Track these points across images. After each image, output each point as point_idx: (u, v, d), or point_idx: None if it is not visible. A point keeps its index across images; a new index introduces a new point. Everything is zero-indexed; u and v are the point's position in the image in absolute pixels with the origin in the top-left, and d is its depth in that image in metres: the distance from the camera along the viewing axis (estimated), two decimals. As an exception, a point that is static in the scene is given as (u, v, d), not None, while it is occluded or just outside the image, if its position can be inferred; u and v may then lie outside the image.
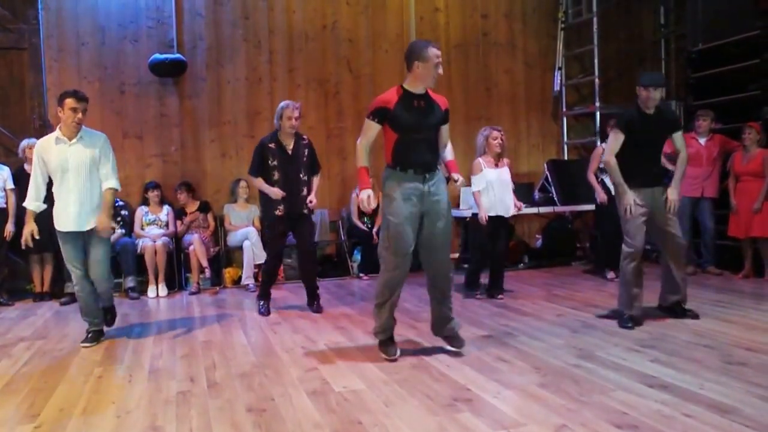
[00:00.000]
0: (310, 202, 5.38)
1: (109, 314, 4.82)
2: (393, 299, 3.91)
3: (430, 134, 3.87)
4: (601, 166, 6.40)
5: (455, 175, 3.94)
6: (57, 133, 4.41)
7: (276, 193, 5.27)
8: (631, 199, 4.48)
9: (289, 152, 5.36)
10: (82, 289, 4.54)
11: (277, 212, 5.34)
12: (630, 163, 4.54)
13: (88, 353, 4.34)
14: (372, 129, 3.84)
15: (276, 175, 5.32)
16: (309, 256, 5.56)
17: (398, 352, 3.93)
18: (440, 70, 3.79)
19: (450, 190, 4.01)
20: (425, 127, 3.82)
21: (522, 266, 7.72)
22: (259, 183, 5.39)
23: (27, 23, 6.95)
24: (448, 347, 4.01)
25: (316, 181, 5.54)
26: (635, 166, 4.54)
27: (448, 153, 4.08)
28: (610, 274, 6.51)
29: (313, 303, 5.55)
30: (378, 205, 7.38)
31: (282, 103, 5.41)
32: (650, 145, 4.59)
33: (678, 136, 4.68)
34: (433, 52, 3.74)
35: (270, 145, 5.37)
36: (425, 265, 3.96)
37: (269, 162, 5.34)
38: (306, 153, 5.43)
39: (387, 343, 3.97)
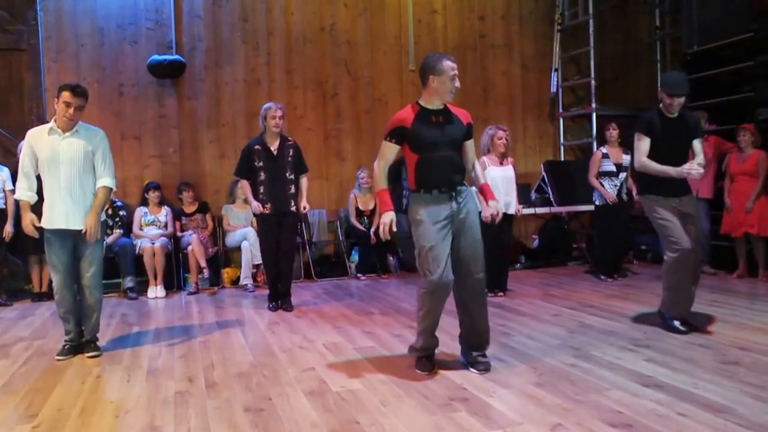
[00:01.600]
0: (305, 208, 5.62)
1: (92, 345, 4.31)
2: (437, 321, 3.62)
3: (453, 151, 3.59)
4: (601, 170, 6.49)
5: (492, 204, 3.73)
6: (51, 124, 4.14)
7: (256, 207, 5.48)
8: (693, 168, 4.20)
9: (274, 153, 5.53)
10: (62, 299, 4.17)
11: (265, 210, 5.50)
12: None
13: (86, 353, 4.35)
14: (390, 150, 3.60)
15: (262, 176, 5.50)
16: (288, 255, 5.72)
17: (435, 368, 3.65)
18: (457, 83, 3.56)
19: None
20: (447, 144, 3.56)
21: (519, 266, 7.75)
22: (245, 188, 5.62)
23: (26, 24, 6.96)
24: (472, 370, 3.64)
25: (304, 183, 5.68)
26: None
27: (480, 174, 3.81)
28: (602, 276, 6.68)
29: (284, 300, 5.67)
30: (375, 205, 7.47)
31: (265, 105, 5.60)
32: (673, 150, 4.36)
33: (696, 143, 4.45)
34: (449, 64, 3.52)
35: (256, 147, 5.54)
36: (456, 282, 3.56)
37: (256, 163, 5.52)
38: (291, 153, 5.60)
39: (424, 361, 3.68)
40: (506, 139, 5.83)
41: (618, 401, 3.05)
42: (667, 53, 8.76)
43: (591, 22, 8.06)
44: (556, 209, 7.80)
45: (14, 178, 6.15)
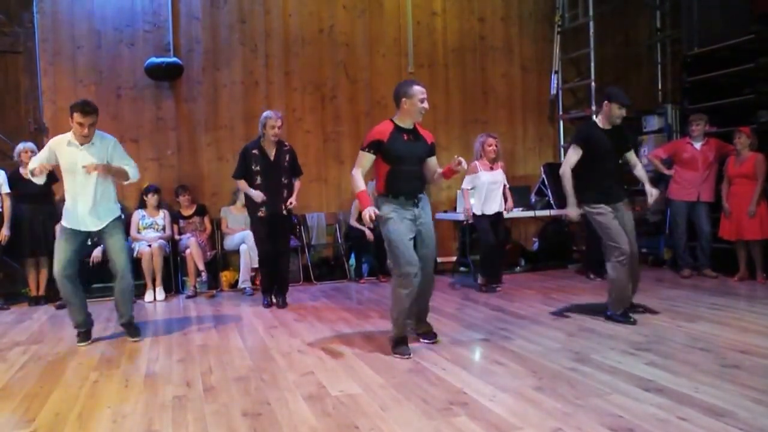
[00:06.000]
0: (291, 203, 5.74)
1: (131, 327, 4.83)
2: (409, 309, 4.16)
3: (418, 165, 4.20)
4: None
5: (456, 158, 4.15)
6: (69, 136, 4.53)
7: (258, 195, 5.63)
8: (576, 212, 4.85)
9: (271, 159, 5.71)
10: (63, 286, 4.57)
11: (260, 214, 5.70)
12: (591, 178, 4.79)
13: (83, 357, 4.33)
14: (367, 159, 4.13)
15: (258, 180, 5.68)
16: (283, 256, 5.92)
17: (411, 352, 4.07)
18: (426, 105, 4.11)
19: (445, 194, 4.08)
20: (414, 159, 4.16)
21: (519, 269, 7.73)
22: (243, 186, 5.76)
23: (22, 26, 6.94)
24: (424, 341, 4.33)
25: (297, 184, 5.87)
26: (596, 181, 4.77)
27: (438, 170, 4.36)
28: (591, 275, 6.94)
29: (279, 299, 5.90)
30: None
31: (265, 113, 5.72)
32: (609, 160, 4.79)
33: (631, 155, 4.97)
34: (418, 89, 4.08)
35: (253, 152, 5.70)
36: None
37: (252, 167, 5.68)
38: (287, 159, 5.77)
39: (401, 344, 4.14)
40: (496, 146, 6.33)
41: (618, 405, 3.03)
42: (667, 55, 8.74)
43: (591, 23, 8.03)
44: (556, 212, 7.78)
45: (10, 181, 6.16)
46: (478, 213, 6.30)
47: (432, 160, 4.29)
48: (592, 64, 8.04)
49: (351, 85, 7.88)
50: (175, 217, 7.05)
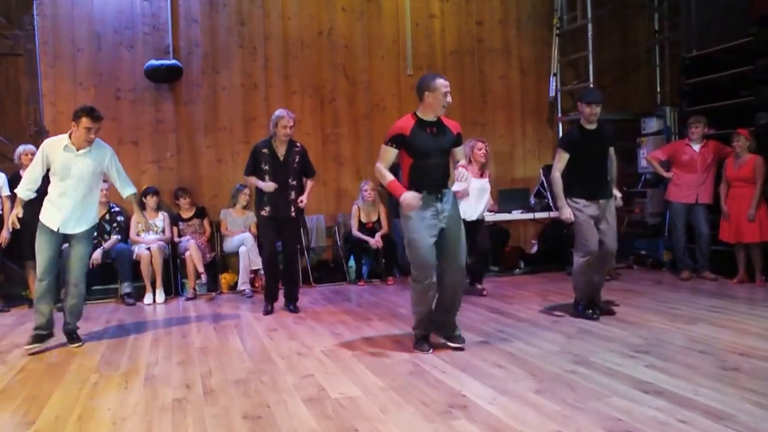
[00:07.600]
0: (301, 201, 5.59)
1: (74, 335, 4.78)
2: (428, 305, 4.16)
3: (443, 158, 4.16)
4: None
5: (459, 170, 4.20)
6: (66, 140, 4.49)
7: (269, 185, 5.52)
8: (569, 212, 4.91)
9: (281, 158, 5.58)
10: (42, 281, 4.55)
11: (263, 213, 5.60)
12: (577, 177, 4.94)
13: (83, 359, 4.33)
14: (390, 154, 4.12)
15: (267, 179, 5.58)
16: (291, 259, 5.79)
17: (430, 350, 4.16)
18: (449, 99, 4.08)
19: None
20: (438, 152, 4.12)
21: (518, 272, 7.73)
22: (253, 180, 5.67)
23: (22, 29, 6.94)
24: (449, 343, 4.22)
25: (309, 183, 5.75)
26: (581, 179, 4.93)
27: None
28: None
29: (290, 305, 5.77)
30: (378, 218, 7.50)
31: (278, 112, 5.58)
32: (593, 159, 4.93)
33: (610, 151, 5.05)
34: (441, 82, 4.05)
35: (263, 150, 5.60)
36: (441, 268, 4.13)
37: (262, 166, 5.58)
38: (297, 159, 5.63)
39: (421, 341, 4.22)
40: (485, 150, 6.19)
41: (618, 408, 3.03)
42: (666, 57, 8.75)
43: (589, 26, 8.02)
44: (555, 214, 7.76)
45: (11, 183, 6.15)
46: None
47: (458, 151, 4.27)
48: (591, 67, 8.04)
49: (350, 87, 7.89)
50: (175, 219, 7.05)
